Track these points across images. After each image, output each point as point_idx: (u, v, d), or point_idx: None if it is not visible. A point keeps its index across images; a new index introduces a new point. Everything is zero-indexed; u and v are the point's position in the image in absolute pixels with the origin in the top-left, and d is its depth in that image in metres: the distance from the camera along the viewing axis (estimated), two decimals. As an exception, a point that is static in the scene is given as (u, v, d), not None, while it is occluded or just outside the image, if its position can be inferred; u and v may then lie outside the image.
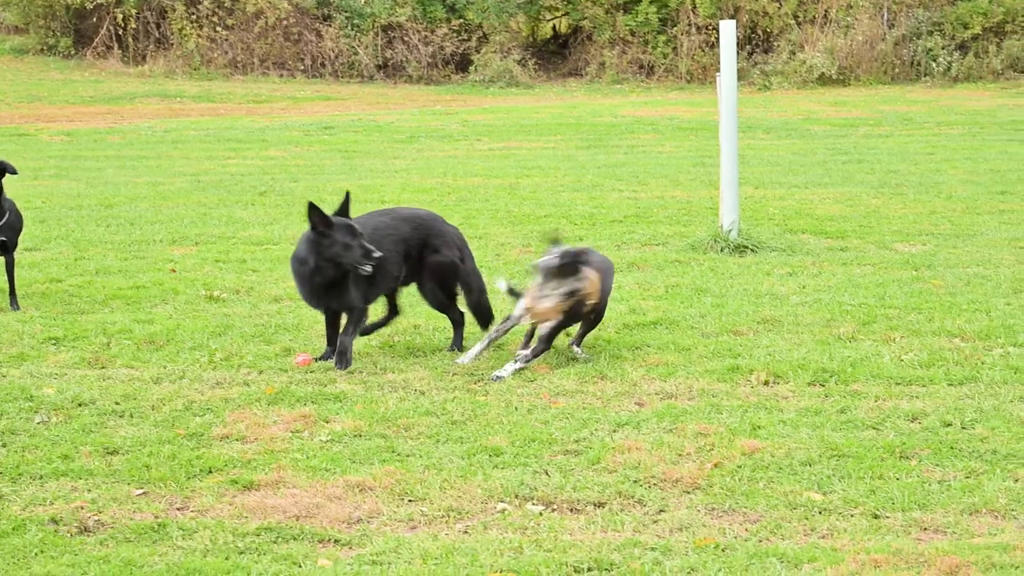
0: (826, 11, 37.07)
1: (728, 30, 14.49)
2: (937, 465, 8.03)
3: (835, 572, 6.58)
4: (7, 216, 12.16)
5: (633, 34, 38.18)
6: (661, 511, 7.42)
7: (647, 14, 37.90)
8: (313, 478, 7.89)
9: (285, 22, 38.80)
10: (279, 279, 13.20)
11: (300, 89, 36.53)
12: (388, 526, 7.26)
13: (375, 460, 8.19)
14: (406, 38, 38.89)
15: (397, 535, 7.12)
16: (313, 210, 10.06)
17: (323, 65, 38.97)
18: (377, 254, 10.04)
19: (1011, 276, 13.09)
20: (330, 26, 38.93)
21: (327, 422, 8.90)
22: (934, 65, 35.48)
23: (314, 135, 26.43)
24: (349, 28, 38.74)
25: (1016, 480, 7.78)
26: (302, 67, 38.96)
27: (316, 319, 11.37)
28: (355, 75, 38.67)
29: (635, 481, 7.80)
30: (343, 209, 10.28)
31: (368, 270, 10.08)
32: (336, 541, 7.06)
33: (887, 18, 36.54)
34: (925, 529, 7.15)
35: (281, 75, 38.71)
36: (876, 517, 7.28)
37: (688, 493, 7.66)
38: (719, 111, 14.74)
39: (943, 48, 35.64)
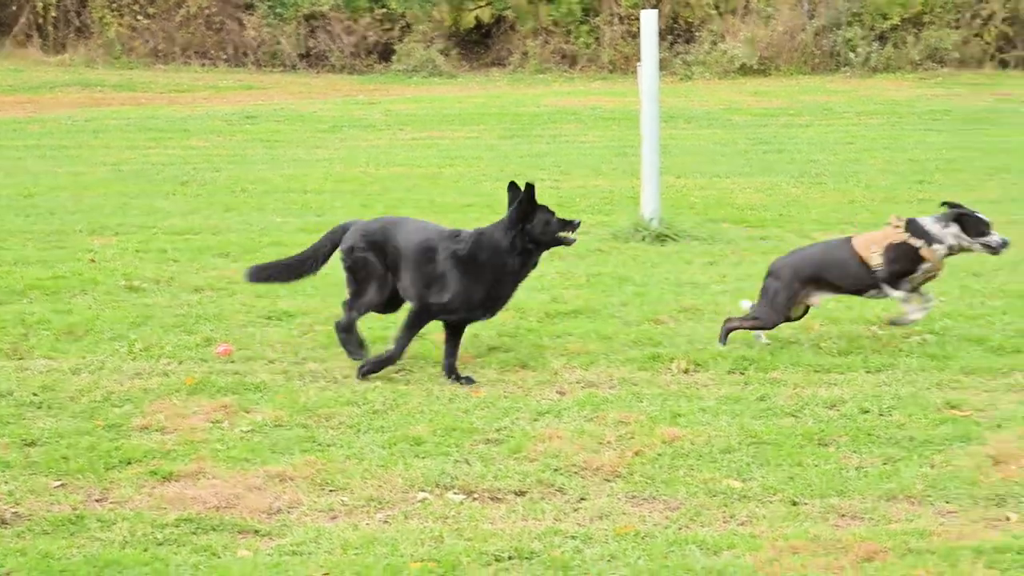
0: (747, 1, 37.22)
1: (650, 20, 14.54)
2: (855, 452, 8.11)
3: (754, 558, 6.62)
4: None
5: (556, 24, 38.17)
6: (582, 499, 7.45)
7: (570, 4, 37.90)
8: (233, 468, 7.86)
9: (207, 11, 38.50)
10: (200, 269, 13.12)
11: (222, 78, 36.25)
12: (308, 516, 7.25)
13: (296, 450, 8.17)
14: (329, 27, 38.68)
15: (317, 525, 7.11)
16: (531, 191, 9.51)
17: (245, 54, 38.70)
18: (577, 221, 9.72)
19: (928, 264, 13.20)
20: (252, 15, 38.67)
21: (247, 412, 8.87)
22: (853, 55, 35.68)
23: (236, 124, 26.26)
24: (272, 17, 38.50)
25: (932, 466, 7.86)
26: (224, 56, 38.67)
27: (237, 309, 11.34)
28: (278, 64, 38.43)
29: (556, 469, 7.83)
30: (530, 198, 9.57)
31: (575, 238, 9.75)
32: (256, 531, 7.04)
33: (807, 8, 36.74)
34: (843, 515, 7.22)
35: (203, 64, 38.41)
36: (794, 504, 7.34)
37: (608, 481, 7.70)
38: (640, 101, 14.79)
39: (862, 38, 35.84)
